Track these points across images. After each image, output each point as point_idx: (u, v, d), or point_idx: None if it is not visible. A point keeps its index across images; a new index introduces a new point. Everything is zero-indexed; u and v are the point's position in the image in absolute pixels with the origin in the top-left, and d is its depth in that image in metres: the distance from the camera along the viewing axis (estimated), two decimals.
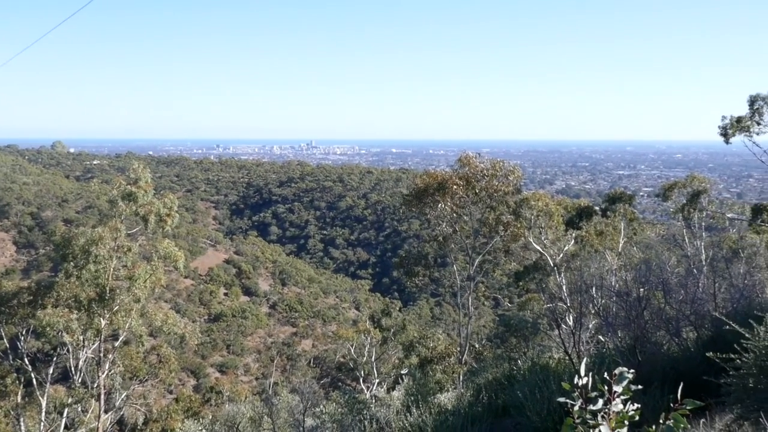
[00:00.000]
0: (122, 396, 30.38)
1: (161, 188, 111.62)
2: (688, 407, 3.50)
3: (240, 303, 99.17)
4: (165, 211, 28.20)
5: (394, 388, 27.23)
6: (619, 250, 33.45)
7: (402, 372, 32.72)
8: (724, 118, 29.90)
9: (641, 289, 13.88)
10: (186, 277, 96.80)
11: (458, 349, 32.76)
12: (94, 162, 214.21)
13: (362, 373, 35.28)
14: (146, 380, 31.73)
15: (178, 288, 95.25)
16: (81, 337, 27.64)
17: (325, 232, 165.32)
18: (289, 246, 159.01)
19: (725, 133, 29.79)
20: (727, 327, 8.92)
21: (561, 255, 33.38)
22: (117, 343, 30.19)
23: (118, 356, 30.34)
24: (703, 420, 8.07)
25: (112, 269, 26.93)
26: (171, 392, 60.91)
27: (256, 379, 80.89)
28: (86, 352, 28.88)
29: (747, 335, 8.26)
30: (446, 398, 14.66)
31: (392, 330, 37.26)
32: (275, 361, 77.41)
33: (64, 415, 29.05)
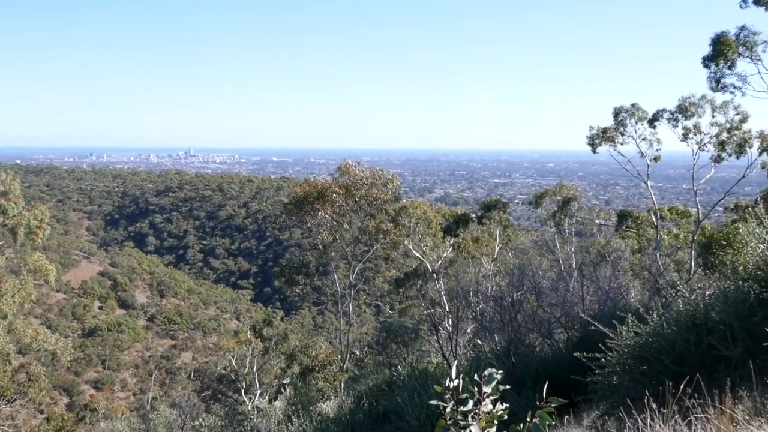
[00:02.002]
0: None
1: (30, 198, 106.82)
2: (553, 405, 3.65)
3: (116, 316, 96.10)
4: (35, 223, 27.03)
5: (276, 399, 27.00)
6: (495, 255, 34.37)
7: (284, 382, 32.49)
8: (591, 128, 31.29)
9: (515, 294, 14.32)
10: (58, 291, 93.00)
11: (340, 356, 32.83)
12: None
13: (244, 384, 34.82)
14: (14, 400, 30.20)
15: (49, 302, 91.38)
16: None
17: (204, 242, 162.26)
18: (167, 257, 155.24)
19: (592, 143, 31.19)
20: (594, 328, 9.32)
21: (440, 261, 34.00)
22: None
23: None
24: (567, 417, 8.40)
25: None
26: (42, 412, 58.20)
27: (134, 394, 78.49)
28: None
29: (611, 335, 8.66)
30: (328, 406, 14.68)
31: (274, 340, 36.95)
32: (153, 376, 75.38)
33: None
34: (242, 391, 34.52)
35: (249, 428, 13.98)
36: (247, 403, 28.05)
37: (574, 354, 9.08)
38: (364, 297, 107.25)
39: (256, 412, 15.29)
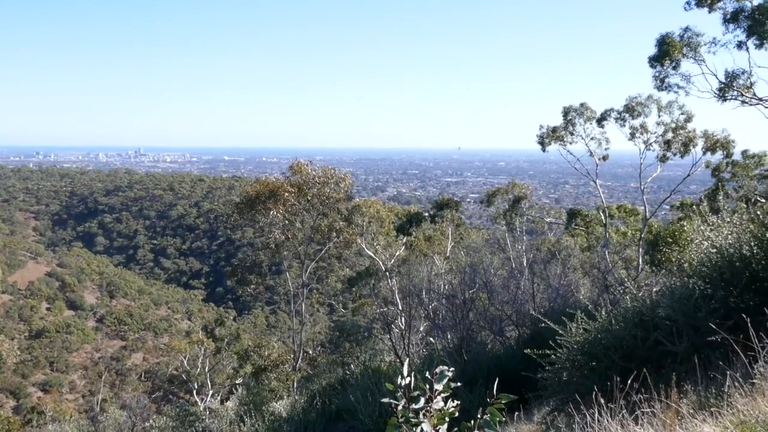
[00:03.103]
0: None
1: None
2: (503, 401, 3.68)
3: (64, 318, 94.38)
4: None
5: (228, 399, 26.78)
6: (447, 254, 34.55)
7: (236, 382, 32.27)
8: (541, 127, 31.61)
9: (467, 292, 14.42)
10: (3, 293, 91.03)
11: (293, 356, 32.71)
12: None
13: (196, 385, 34.49)
14: None
15: None
16: None
17: (155, 241, 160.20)
18: (117, 257, 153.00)
19: (542, 142, 31.51)
20: (544, 325, 9.43)
21: (392, 260, 34.08)
22: None
23: None
24: (518, 413, 8.48)
25: None
26: None
27: (83, 396, 77.17)
28: None
29: (561, 332, 8.77)
30: (280, 406, 14.61)
31: (226, 340, 36.68)
32: (103, 377, 74.21)
33: None
34: (194, 392, 34.20)
35: (201, 429, 13.85)
36: (199, 403, 27.77)
37: (525, 351, 9.17)
38: (317, 296, 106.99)
39: (207, 412, 15.14)
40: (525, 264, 24.67)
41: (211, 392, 33.23)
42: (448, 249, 35.51)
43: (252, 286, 36.19)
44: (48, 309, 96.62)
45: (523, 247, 30.32)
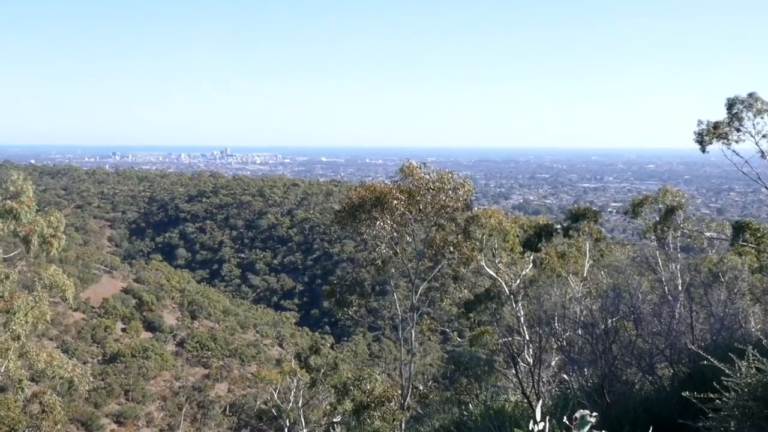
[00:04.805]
0: None
1: (45, 204, 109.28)
2: None
3: (141, 340, 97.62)
4: (50, 232, 27.65)
5: None
6: (584, 274, 33.97)
7: (334, 420, 32.64)
8: (700, 123, 30.66)
9: (609, 320, 14.13)
10: (76, 310, 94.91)
11: (400, 391, 32.78)
12: None
13: (287, 422, 35.05)
14: None
15: (66, 323, 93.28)
16: None
17: (242, 255, 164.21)
18: (200, 272, 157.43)
19: (701, 141, 30.55)
20: (706, 362, 9.14)
21: (518, 281, 33.74)
22: None
23: None
24: None
25: None
26: None
27: (161, 430, 79.61)
28: None
29: (728, 372, 8.48)
30: None
31: (322, 370, 37.12)
32: (184, 410, 76.34)
33: None
34: (285, 430, 34.75)
35: None
36: None
37: (682, 393, 8.92)
38: (429, 322, 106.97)
39: None
40: (680, 288, 24.02)
41: (305, 430, 33.70)
42: (586, 268, 34.93)
43: (353, 309, 36.46)
44: (123, 330, 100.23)
45: (678, 268, 29.55)
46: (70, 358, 32.10)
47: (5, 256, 28.00)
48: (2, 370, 27.25)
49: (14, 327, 26.57)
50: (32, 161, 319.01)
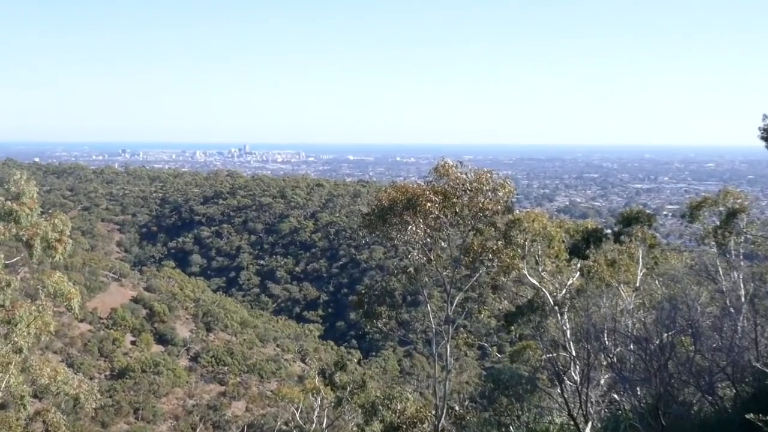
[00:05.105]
0: None
1: (50, 205, 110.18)
2: None
3: (152, 354, 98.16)
4: (54, 236, 27.85)
5: None
6: (637, 284, 33.78)
7: None
8: (765, 117, 30.37)
9: (665, 334, 14.04)
10: (82, 321, 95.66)
11: (433, 412, 32.74)
12: None
13: None
14: None
15: (71, 335, 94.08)
16: None
17: (262, 262, 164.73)
18: (215, 280, 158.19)
19: (767, 137, 30.27)
20: None
21: (563, 291, 33.60)
22: None
23: None
24: None
25: None
26: None
27: None
28: None
29: None
30: None
31: (349, 388, 37.15)
32: (198, 430, 76.62)
33: None
34: None
35: None
36: None
37: (746, 416, 8.86)
38: (465, 336, 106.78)
39: None
40: (743, 299, 23.82)
41: None
42: (639, 277, 34.72)
43: (382, 321, 36.45)
44: (133, 343, 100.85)
45: (741, 277, 29.28)
46: (75, 373, 32.30)
47: (7, 262, 28.23)
48: (3, 386, 27.48)
49: (16, 339, 26.78)
50: (36, 159, 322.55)
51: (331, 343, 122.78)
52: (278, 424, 40.49)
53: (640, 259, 35.99)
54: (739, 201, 35.87)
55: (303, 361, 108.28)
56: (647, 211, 41.29)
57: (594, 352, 17.13)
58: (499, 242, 32.77)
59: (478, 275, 34.98)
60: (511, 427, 15.94)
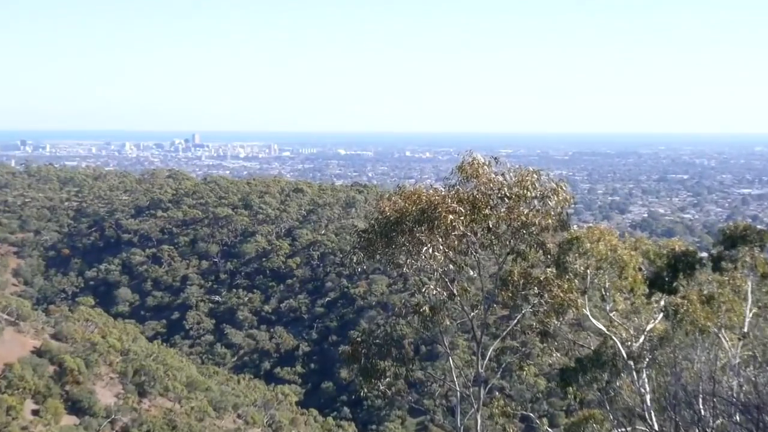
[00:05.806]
0: None
1: None
2: None
3: (62, 429, 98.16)
4: None
5: None
6: (745, 329, 33.73)
7: None
8: None
9: None
10: None
11: None
12: None
13: None
14: None
15: None
16: None
17: (218, 298, 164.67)
18: (152, 323, 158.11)
19: None
20: None
21: (641, 339, 33.58)
22: None
23: None
24: None
25: None
26: None
27: None
28: None
29: None
30: None
31: None
32: None
33: None
34: None
35: None
36: None
37: None
38: (503, 402, 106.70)
39: None
40: None
41: None
42: (747, 320, 34.68)
43: (386, 381, 36.43)
44: (35, 412, 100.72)
45: None
46: None
47: None
48: None
49: None
50: None
51: (315, 412, 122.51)
52: None
53: (749, 295, 35.92)
54: None
55: None
56: (759, 226, 41.29)
57: (685, 425, 17.12)
58: (550, 270, 32.71)
59: (519, 316, 34.96)
60: None
